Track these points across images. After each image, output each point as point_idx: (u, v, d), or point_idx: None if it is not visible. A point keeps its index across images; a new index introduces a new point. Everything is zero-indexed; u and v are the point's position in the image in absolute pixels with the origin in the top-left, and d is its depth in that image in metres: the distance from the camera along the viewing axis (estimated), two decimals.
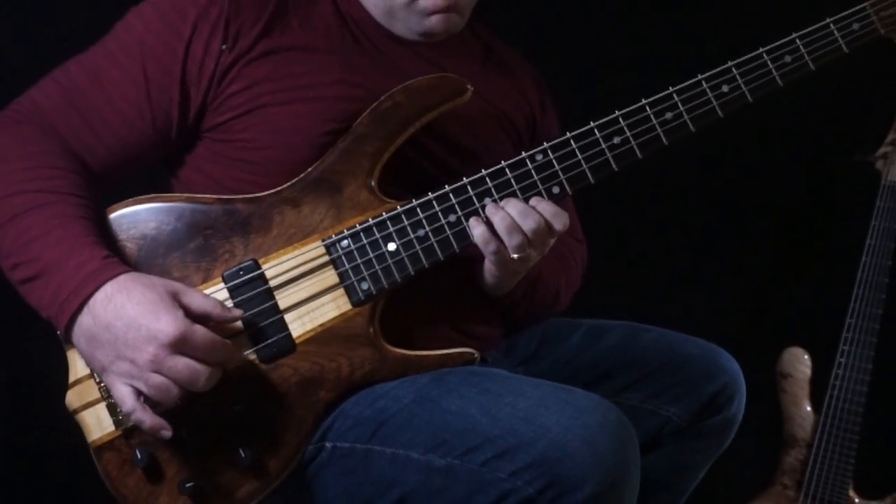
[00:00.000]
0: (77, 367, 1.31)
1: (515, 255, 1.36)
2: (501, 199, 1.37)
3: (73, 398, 1.31)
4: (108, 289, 1.23)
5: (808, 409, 2.31)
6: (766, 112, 1.73)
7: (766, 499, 2.33)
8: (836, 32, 1.44)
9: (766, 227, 2.58)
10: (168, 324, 1.20)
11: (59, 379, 1.32)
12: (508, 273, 1.43)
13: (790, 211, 2.59)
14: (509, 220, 1.35)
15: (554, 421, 1.21)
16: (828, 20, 1.44)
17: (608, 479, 1.19)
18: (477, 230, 1.35)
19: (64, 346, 1.31)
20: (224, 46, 1.39)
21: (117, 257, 1.29)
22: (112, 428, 1.29)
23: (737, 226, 2.54)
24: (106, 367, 1.23)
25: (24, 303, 1.29)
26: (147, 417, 1.22)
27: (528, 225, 1.35)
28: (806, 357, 2.32)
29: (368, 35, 1.49)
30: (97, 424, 1.30)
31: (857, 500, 2.27)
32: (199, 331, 1.22)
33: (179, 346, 1.21)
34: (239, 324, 1.29)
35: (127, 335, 1.21)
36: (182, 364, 1.21)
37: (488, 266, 1.43)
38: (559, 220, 1.37)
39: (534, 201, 1.37)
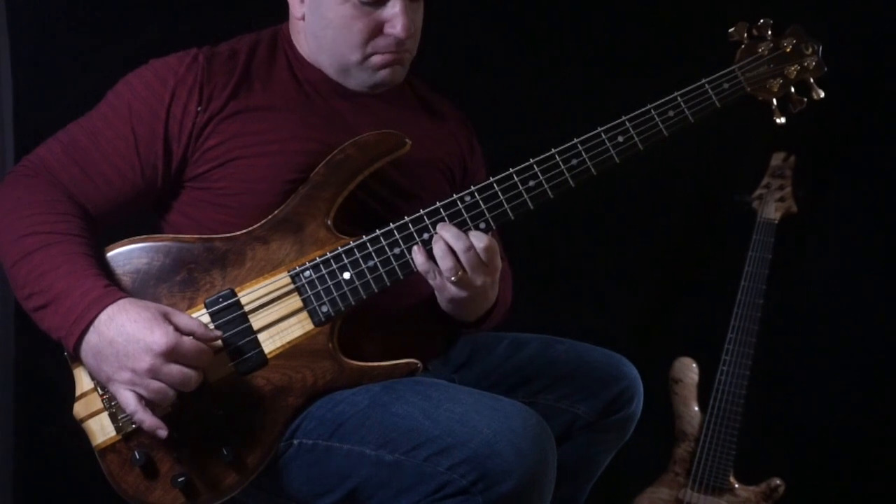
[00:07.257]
0: (83, 381, 1.41)
1: (453, 278, 1.44)
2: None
3: (79, 409, 1.41)
4: (110, 311, 1.34)
5: (696, 409, 2.46)
6: (665, 160, 1.90)
7: (660, 484, 2.48)
8: (710, 91, 1.57)
9: (662, 256, 2.70)
10: (161, 336, 1.31)
11: (68, 391, 1.42)
12: (456, 300, 1.49)
13: (681, 243, 2.72)
14: (442, 244, 1.44)
15: (485, 424, 1.32)
16: (703, 81, 1.57)
17: (529, 473, 1.31)
18: (418, 258, 1.45)
19: (70, 364, 1.41)
20: (199, 108, 1.50)
21: (115, 286, 1.39)
22: (114, 433, 1.40)
23: (637, 255, 2.67)
24: (111, 377, 1.34)
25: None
26: (147, 418, 1.33)
27: (458, 246, 1.43)
28: (694, 365, 2.49)
29: (320, 92, 1.60)
30: (101, 431, 1.40)
31: (736, 486, 2.41)
32: (187, 341, 1.33)
33: (171, 355, 1.32)
34: (220, 343, 1.40)
35: (127, 348, 1.32)
36: (175, 370, 1.32)
37: (437, 295, 1.52)
38: (486, 252, 1.44)
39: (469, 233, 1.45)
